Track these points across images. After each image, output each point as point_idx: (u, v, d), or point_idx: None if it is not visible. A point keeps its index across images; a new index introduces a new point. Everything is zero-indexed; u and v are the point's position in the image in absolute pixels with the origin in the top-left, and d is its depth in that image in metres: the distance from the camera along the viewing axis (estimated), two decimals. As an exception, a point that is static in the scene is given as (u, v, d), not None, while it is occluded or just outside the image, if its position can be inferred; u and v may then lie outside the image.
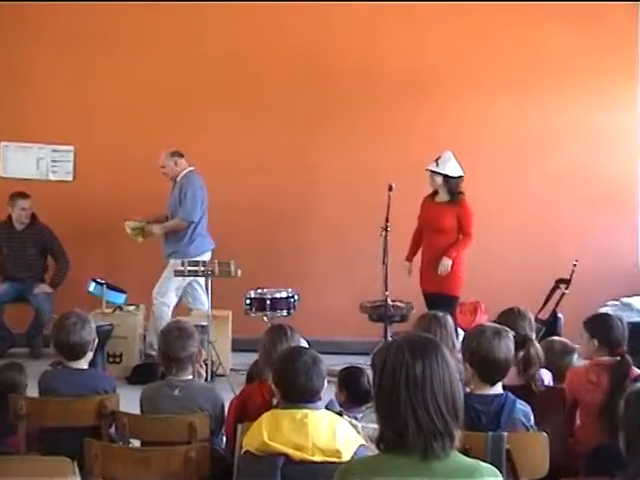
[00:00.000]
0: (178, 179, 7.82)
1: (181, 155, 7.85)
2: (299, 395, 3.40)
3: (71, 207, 8.70)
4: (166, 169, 7.85)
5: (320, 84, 8.67)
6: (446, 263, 7.07)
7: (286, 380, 3.44)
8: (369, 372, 4.00)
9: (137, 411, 4.23)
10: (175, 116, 8.65)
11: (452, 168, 7.18)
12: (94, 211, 8.72)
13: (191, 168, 7.88)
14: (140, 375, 7.13)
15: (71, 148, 8.77)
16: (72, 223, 8.62)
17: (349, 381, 4.50)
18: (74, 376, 4.32)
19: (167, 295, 7.79)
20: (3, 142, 8.77)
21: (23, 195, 8.29)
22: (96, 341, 4.44)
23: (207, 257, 7.72)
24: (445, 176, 7.16)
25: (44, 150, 8.77)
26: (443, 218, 7.17)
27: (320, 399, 3.48)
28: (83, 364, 4.37)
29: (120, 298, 7.83)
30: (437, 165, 7.17)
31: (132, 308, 7.86)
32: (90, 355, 4.40)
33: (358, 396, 4.40)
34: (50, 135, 8.72)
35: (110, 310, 7.71)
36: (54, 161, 8.78)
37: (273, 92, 8.68)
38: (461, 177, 7.20)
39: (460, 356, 3.94)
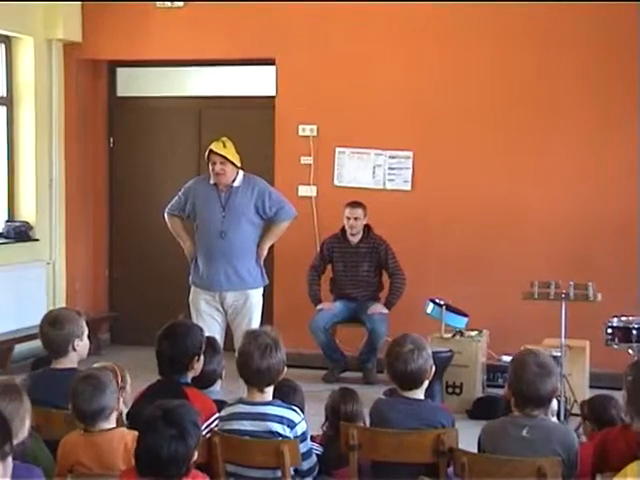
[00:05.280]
0: (236, 183, 7.04)
1: None
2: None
3: (408, 220, 8.89)
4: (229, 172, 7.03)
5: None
6: None
7: None
8: None
9: (476, 449, 4.22)
10: (517, 116, 8.68)
11: None
12: (433, 225, 8.88)
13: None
14: (482, 409, 7.20)
15: (410, 154, 8.98)
16: (409, 237, 8.82)
17: None
18: (409, 407, 4.40)
19: None
20: (338, 147, 9.13)
21: (357, 204, 8.58)
22: (433, 369, 4.48)
23: None
24: None
25: (381, 156, 9.06)
26: None
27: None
28: (419, 394, 4.44)
29: (461, 322, 7.88)
30: None
31: (474, 333, 7.88)
32: (426, 384, 4.46)
33: None
34: (387, 140, 8.97)
35: (449, 335, 7.79)
36: (391, 168, 9.04)
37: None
38: None
39: None
